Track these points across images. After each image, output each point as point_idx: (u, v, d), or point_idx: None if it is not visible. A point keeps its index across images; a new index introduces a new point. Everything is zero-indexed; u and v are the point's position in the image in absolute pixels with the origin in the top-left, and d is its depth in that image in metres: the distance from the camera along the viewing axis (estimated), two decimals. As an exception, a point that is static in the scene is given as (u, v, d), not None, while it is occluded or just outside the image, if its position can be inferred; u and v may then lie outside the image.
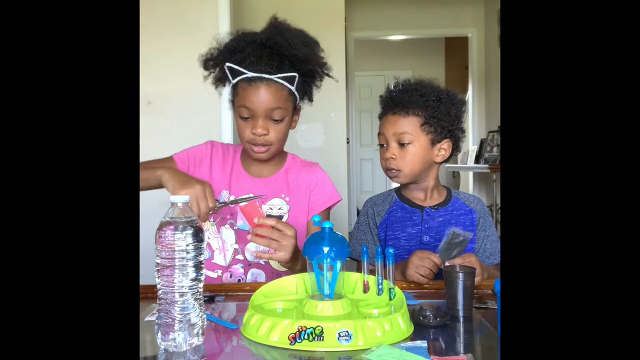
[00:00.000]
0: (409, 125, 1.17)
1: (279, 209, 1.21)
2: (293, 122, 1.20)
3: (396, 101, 1.19)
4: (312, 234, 0.86)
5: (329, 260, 0.80)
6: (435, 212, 1.22)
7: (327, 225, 0.83)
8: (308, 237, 0.87)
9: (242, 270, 1.19)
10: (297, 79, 1.12)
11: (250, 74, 1.09)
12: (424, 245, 1.19)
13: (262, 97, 1.10)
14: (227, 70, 1.12)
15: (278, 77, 1.10)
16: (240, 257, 1.20)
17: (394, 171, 1.19)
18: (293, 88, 1.13)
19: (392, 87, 1.24)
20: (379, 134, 1.23)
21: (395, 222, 1.23)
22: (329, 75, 1.22)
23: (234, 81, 1.13)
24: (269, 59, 1.09)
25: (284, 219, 1.20)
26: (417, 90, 1.18)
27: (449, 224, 1.18)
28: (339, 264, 0.81)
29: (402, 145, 1.18)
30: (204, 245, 1.17)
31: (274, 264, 1.19)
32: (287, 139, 1.21)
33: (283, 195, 1.22)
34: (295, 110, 1.20)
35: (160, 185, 1.06)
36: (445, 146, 1.21)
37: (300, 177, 1.24)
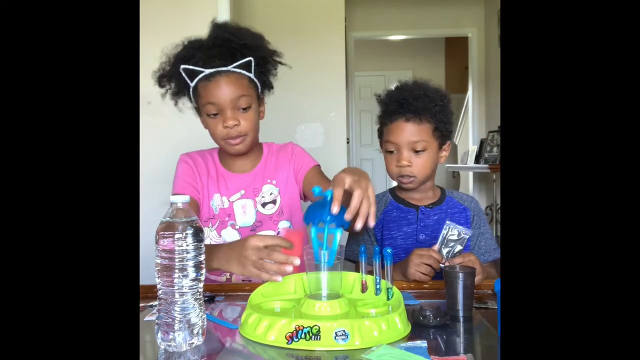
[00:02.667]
0: (423, 133, 1.17)
1: (271, 194, 1.23)
2: (260, 112, 1.21)
3: (409, 108, 1.17)
4: (314, 203, 0.83)
5: (331, 228, 0.77)
6: (430, 210, 1.23)
7: (329, 194, 0.79)
8: (309, 205, 0.85)
9: None
10: (252, 64, 1.14)
11: (208, 71, 1.11)
12: (420, 243, 1.19)
13: (224, 89, 1.11)
14: (183, 74, 1.12)
15: (234, 67, 1.12)
16: None
17: (408, 178, 1.19)
18: (251, 75, 1.15)
19: (398, 90, 1.21)
20: (386, 140, 1.21)
21: (391, 222, 1.24)
22: (281, 63, 1.23)
23: (193, 83, 1.13)
24: (220, 55, 1.11)
25: (277, 202, 1.23)
26: (427, 97, 1.17)
27: (444, 222, 1.18)
28: (338, 234, 0.79)
29: (416, 152, 1.17)
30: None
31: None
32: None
33: (269, 180, 1.24)
34: (260, 100, 1.21)
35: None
36: (446, 147, 1.23)
37: (279, 158, 1.27)
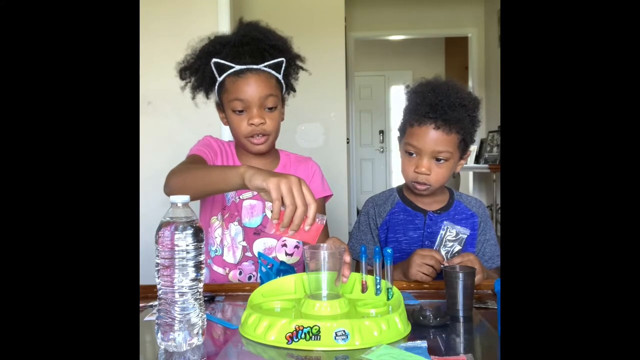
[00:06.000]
0: (450, 144, 1.12)
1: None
2: (282, 114, 1.21)
3: (442, 116, 1.10)
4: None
5: None
6: (437, 216, 1.20)
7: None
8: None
9: (252, 267, 1.20)
10: (283, 64, 1.15)
11: (238, 67, 1.11)
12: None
13: (254, 87, 1.11)
14: (213, 68, 1.12)
15: (265, 66, 1.12)
16: (249, 254, 1.20)
17: (424, 185, 1.15)
18: (280, 76, 1.16)
19: (433, 92, 1.13)
20: (408, 142, 1.15)
21: (397, 225, 1.22)
22: (302, 68, 1.23)
23: (221, 78, 1.13)
24: (251, 53, 1.12)
25: None
26: (463, 106, 1.12)
27: None
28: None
29: (437, 160, 1.13)
30: (218, 241, 1.18)
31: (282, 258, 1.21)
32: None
33: None
34: (282, 102, 1.21)
35: (239, 186, 0.89)
36: (466, 157, 1.20)
37: (298, 171, 1.26)
